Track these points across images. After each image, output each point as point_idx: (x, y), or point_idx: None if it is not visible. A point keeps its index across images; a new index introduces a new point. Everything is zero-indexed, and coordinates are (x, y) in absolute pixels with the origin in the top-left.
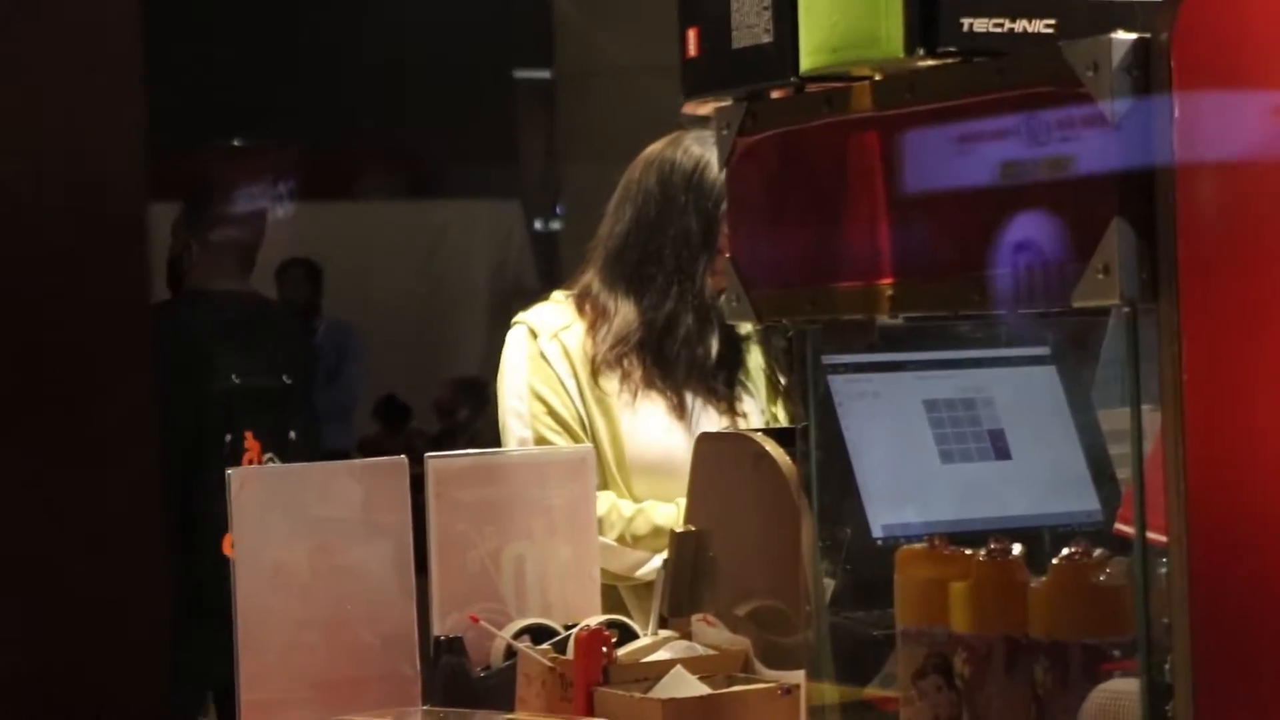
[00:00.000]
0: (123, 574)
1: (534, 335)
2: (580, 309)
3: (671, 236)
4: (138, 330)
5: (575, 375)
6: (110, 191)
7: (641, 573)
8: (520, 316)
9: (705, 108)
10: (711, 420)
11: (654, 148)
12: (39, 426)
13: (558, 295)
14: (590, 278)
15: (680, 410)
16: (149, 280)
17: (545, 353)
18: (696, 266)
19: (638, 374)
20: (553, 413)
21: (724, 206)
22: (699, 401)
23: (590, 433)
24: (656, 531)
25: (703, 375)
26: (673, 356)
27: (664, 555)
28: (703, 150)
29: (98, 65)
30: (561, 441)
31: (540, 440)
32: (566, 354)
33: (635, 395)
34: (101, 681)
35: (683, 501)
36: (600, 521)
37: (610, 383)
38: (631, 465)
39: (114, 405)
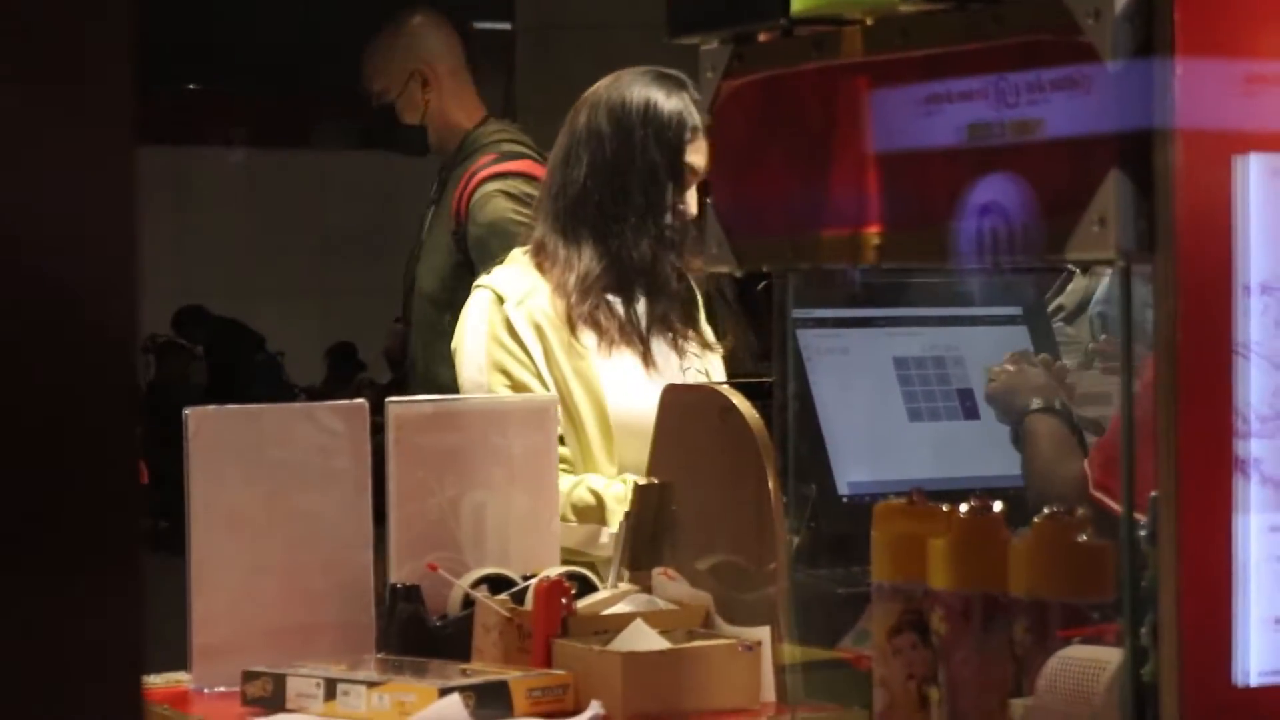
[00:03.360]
0: None
1: (500, 301)
2: (541, 268)
3: (637, 173)
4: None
5: (543, 341)
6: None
7: (603, 543)
8: (484, 281)
9: None
10: (677, 373)
11: (594, 90)
12: None
13: (518, 255)
14: (545, 232)
15: (649, 362)
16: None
17: (511, 320)
18: (665, 200)
19: (614, 326)
20: (514, 384)
21: (687, 135)
22: (667, 353)
23: (566, 401)
24: (599, 499)
25: (681, 317)
26: (656, 294)
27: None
28: (646, 87)
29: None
30: None
31: None
32: (534, 323)
33: (610, 350)
34: None
35: (630, 478)
36: None
37: (588, 337)
38: (615, 422)
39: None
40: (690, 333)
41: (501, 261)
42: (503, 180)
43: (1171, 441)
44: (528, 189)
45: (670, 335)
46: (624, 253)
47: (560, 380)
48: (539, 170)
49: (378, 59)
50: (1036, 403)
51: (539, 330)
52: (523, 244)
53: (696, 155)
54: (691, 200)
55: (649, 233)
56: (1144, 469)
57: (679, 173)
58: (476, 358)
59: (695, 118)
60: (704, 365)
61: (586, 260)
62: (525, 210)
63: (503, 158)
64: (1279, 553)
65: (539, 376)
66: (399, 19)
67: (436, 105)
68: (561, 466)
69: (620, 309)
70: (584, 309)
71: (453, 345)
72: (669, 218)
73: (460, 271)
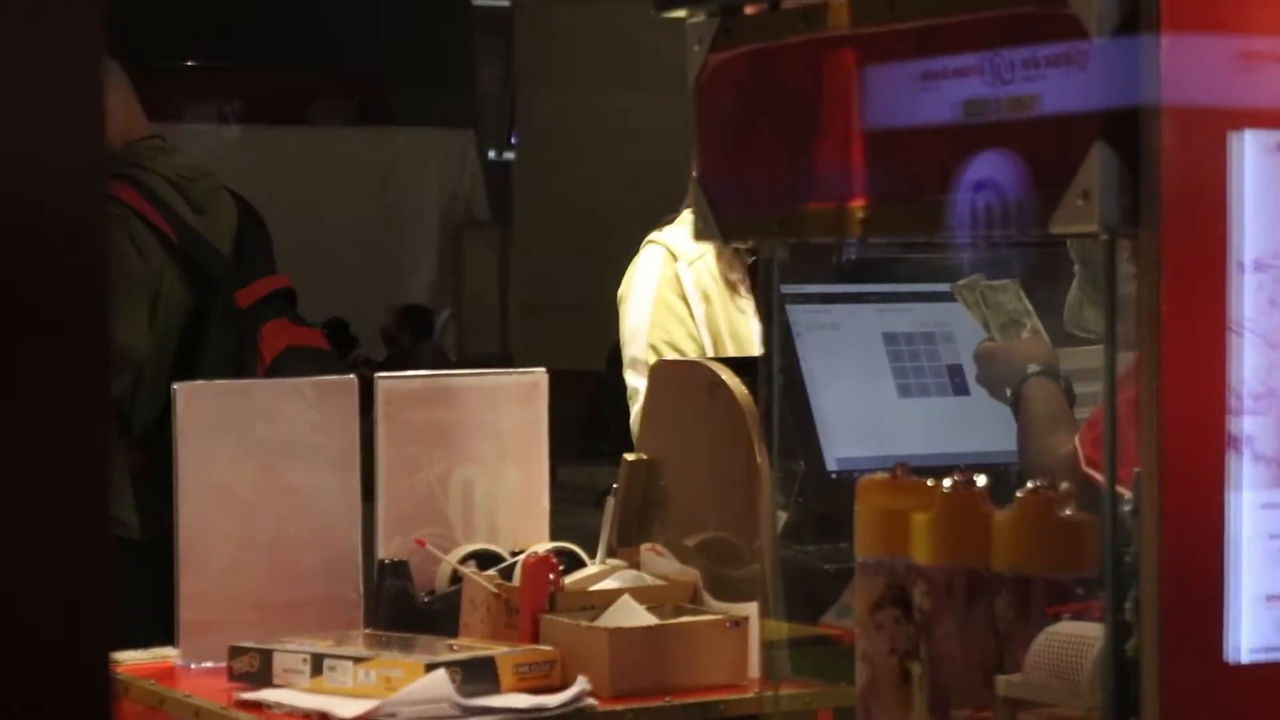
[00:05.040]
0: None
1: (673, 258)
2: None
3: None
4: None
5: (707, 304)
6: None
7: None
8: (656, 237)
9: None
10: None
11: None
12: None
13: (688, 215)
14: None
15: None
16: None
17: (681, 279)
18: None
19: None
20: (670, 340)
21: None
22: None
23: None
24: None
25: None
26: None
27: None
28: None
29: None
30: None
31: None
32: (701, 286)
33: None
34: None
35: None
36: None
37: (745, 299)
38: None
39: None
40: None
41: None
42: None
43: (1154, 416)
44: None
45: None
46: None
47: (717, 339)
48: (120, 188)
49: None
50: (1034, 367)
51: (705, 294)
52: None
53: None
54: None
55: None
56: (1136, 445)
57: None
58: (642, 307)
59: None
60: None
61: None
62: None
63: None
64: (1271, 530)
65: (694, 338)
66: None
67: None
68: None
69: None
70: (734, 273)
71: (619, 292)
72: None
73: None
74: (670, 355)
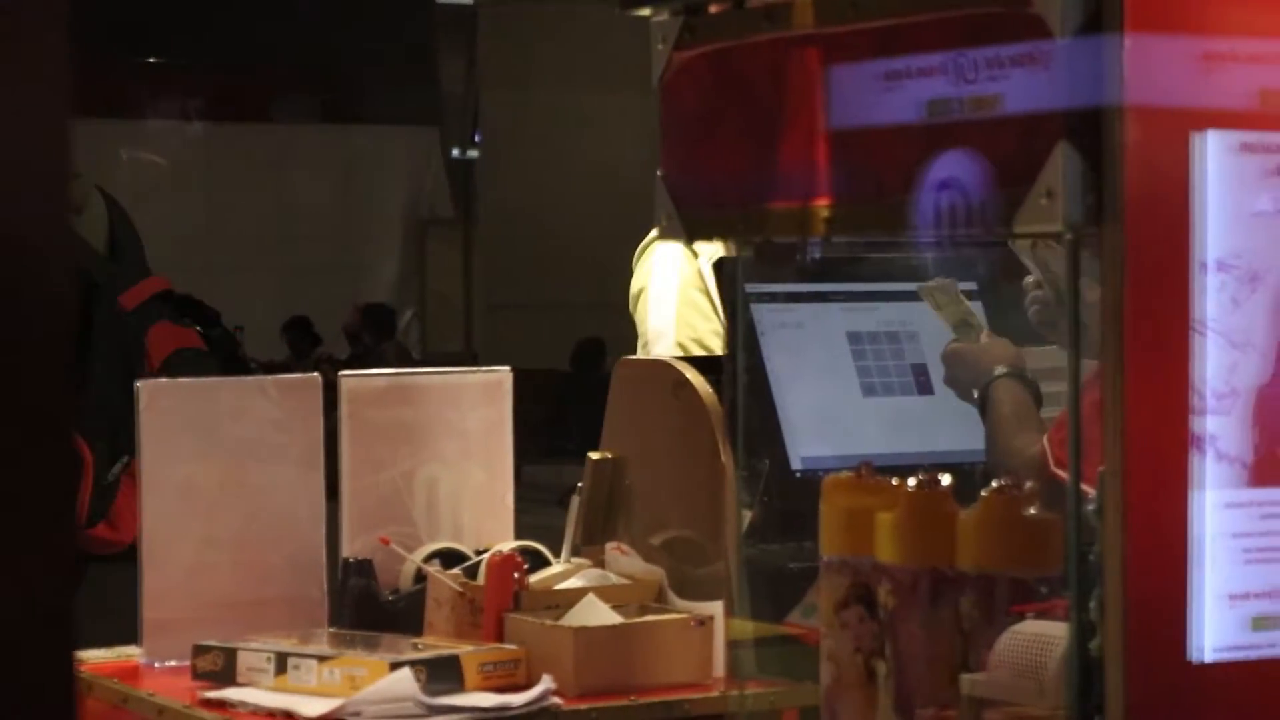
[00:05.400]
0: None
1: (694, 254)
2: None
3: None
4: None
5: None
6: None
7: None
8: None
9: None
10: None
11: None
12: None
13: None
14: None
15: None
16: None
17: (704, 274)
18: None
19: None
20: (698, 337)
21: None
22: None
23: None
24: None
25: None
26: None
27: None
28: None
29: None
30: None
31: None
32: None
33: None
34: None
35: None
36: None
37: None
38: None
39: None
40: None
41: None
42: None
43: (1118, 416)
44: None
45: None
46: None
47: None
48: None
49: None
50: (1001, 369)
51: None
52: None
53: None
54: None
55: None
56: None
57: None
58: (667, 306)
59: None
60: None
61: None
62: None
63: None
64: (1234, 529)
65: (719, 334)
66: None
67: None
68: None
69: None
70: None
71: (632, 292)
72: None
73: None
74: (698, 353)
